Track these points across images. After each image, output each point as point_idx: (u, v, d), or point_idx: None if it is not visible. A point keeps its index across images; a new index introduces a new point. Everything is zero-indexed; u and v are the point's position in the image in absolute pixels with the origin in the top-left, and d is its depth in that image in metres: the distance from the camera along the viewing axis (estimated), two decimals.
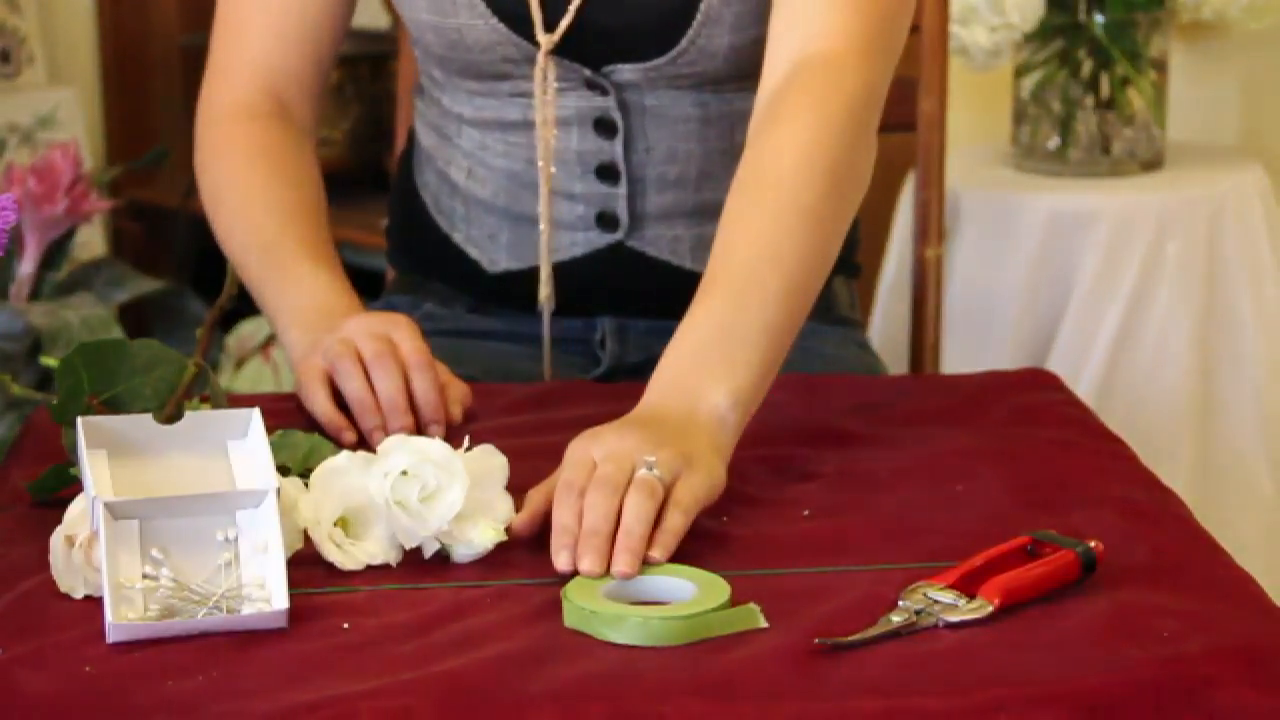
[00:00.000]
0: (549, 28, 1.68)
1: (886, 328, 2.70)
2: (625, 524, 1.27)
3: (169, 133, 3.43)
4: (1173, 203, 2.62)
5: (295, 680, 1.13)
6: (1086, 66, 2.69)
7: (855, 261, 1.91)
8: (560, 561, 1.26)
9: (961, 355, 2.58)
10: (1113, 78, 2.69)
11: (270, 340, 3.28)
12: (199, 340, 1.35)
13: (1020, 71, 2.73)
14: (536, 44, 1.68)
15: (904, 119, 2.02)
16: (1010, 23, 2.57)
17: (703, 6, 1.65)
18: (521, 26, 1.68)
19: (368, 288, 3.12)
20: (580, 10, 1.67)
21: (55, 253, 2.82)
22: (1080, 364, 2.57)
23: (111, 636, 1.17)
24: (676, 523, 1.29)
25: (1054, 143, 2.71)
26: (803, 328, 1.83)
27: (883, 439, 1.52)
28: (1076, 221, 2.60)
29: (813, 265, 1.48)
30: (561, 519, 1.28)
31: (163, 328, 3.00)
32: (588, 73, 1.70)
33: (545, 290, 1.77)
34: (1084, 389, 2.49)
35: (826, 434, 1.53)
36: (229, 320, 3.25)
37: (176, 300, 3.04)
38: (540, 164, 1.73)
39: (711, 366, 1.41)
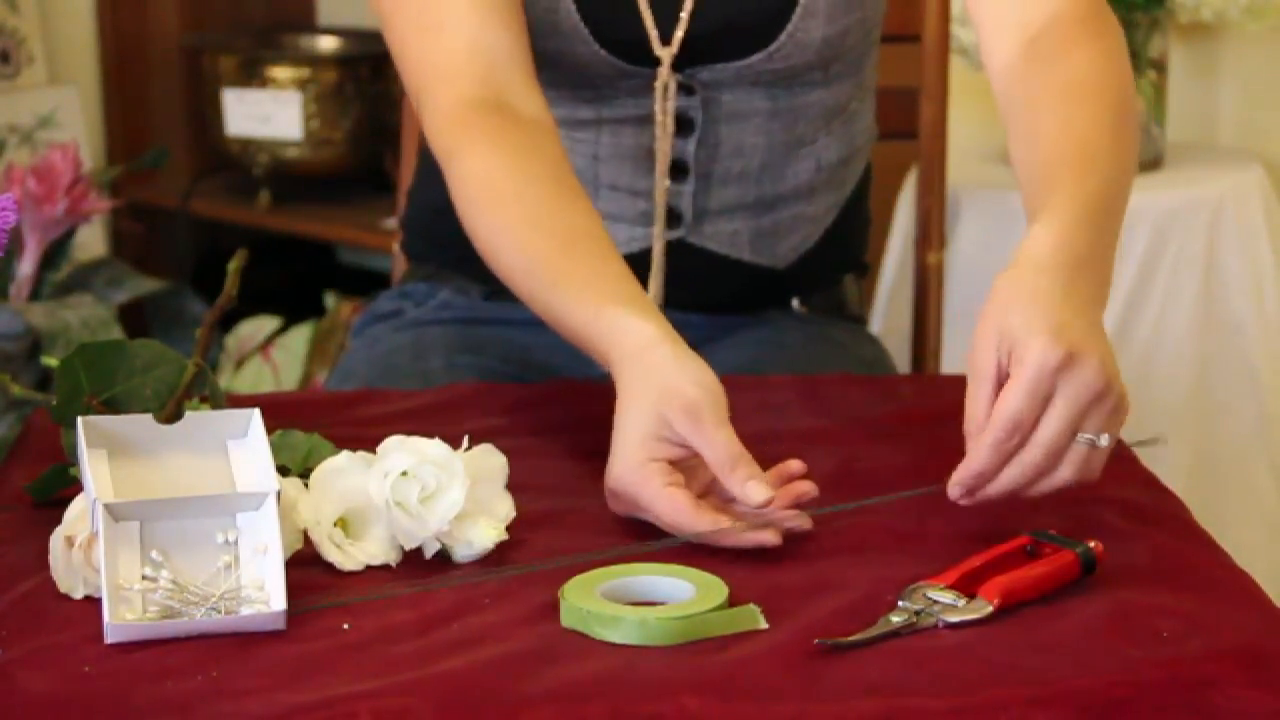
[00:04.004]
0: (664, 41, 1.68)
1: (887, 328, 2.70)
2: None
3: (169, 133, 3.43)
4: (1172, 203, 2.62)
5: (295, 680, 1.13)
6: None
7: (865, 261, 1.91)
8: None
9: (961, 355, 2.57)
10: None
11: (270, 340, 3.27)
12: (199, 340, 1.35)
13: None
14: (642, 63, 1.68)
15: (905, 127, 2.02)
16: None
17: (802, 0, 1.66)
18: (625, 49, 1.68)
19: (368, 288, 3.10)
20: (690, 21, 1.67)
21: (55, 253, 2.82)
22: None
23: (109, 637, 1.17)
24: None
25: None
26: (815, 320, 1.83)
27: (883, 439, 1.52)
28: None
29: (1127, 166, 1.47)
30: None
31: (163, 328, 3.00)
32: (679, 76, 1.70)
33: (654, 286, 1.74)
34: None
35: (826, 434, 1.53)
36: (229, 320, 3.25)
37: (176, 300, 3.03)
38: (658, 165, 1.72)
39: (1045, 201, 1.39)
